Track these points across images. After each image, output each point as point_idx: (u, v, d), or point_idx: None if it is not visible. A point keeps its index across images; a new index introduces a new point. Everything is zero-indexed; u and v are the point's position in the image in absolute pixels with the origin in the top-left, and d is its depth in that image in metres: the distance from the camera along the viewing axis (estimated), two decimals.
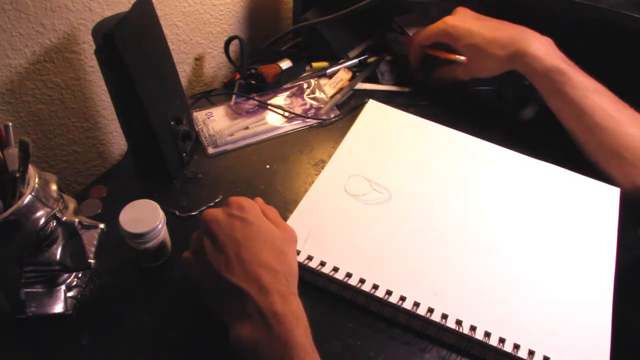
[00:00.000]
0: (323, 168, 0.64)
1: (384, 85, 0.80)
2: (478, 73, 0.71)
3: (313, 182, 0.62)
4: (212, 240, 0.45)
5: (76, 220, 0.45)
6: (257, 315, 0.41)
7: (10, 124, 0.43)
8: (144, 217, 0.49)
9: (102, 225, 0.48)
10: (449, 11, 0.92)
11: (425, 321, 0.48)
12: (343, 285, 0.51)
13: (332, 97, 0.77)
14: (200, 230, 0.47)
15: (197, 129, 0.70)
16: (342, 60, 0.84)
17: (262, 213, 0.48)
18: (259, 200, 0.51)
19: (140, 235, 0.49)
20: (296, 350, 0.39)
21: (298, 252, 0.51)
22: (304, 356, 0.39)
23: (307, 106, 0.75)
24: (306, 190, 0.60)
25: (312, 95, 0.77)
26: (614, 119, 0.61)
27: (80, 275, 0.51)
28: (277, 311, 0.41)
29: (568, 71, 0.62)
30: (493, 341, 0.46)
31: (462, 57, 0.69)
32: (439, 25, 0.71)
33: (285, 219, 0.56)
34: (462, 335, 0.47)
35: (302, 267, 0.51)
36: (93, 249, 0.48)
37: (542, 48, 0.64)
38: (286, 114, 0.73)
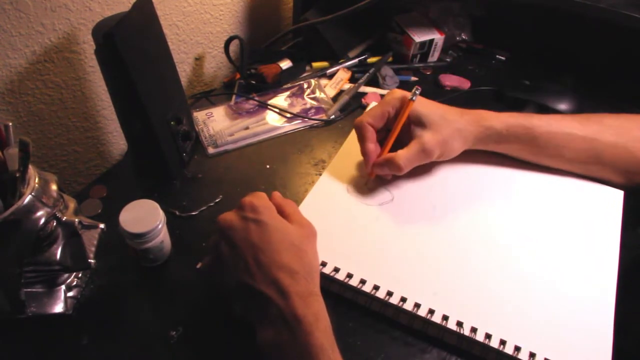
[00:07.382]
0: (323, 168, 0.64)
1: (385, 90, 0.80)
2: (447, 154, 0.59)
3: (313, 182, 0.62)
4: (229, 246, 0.45)
5: (76, 220, 0.45)
6: (278, 319, 0.41)
7: (10, 124, 0.43)
8: (144, 217, 0.49)
9: (102, 225, 0.48)
10: (449, 10, 0.92)
11: (426, 322, 0.48)
12: (344, 285, 0.50)
13: (335, 99, 0.77)
14: (217, 236, 0.47)
15: (197, 129, 0.70)
16: (342, 60, 0.84)
17: (277, 210, 0.48)
18: (277, 195, 0.51)
19: (140, 235, 0.49)
20: (315, 353, 0.39)
21: None
22: (323, 358, 0.40)
23: (308, 106, 0.75)
24: (306, 191, 0.60)
25: (312, 95, 0.77)
26: (587, 138, 0.59)
27: (80, 275, 0.51)
28: (297, 314, 0.41)
29: (527, 120, 0.60)
30: (494, 343, 0.46)
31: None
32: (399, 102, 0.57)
33: None
34: (463, 336, 0.47)
35: None
36: (93, 249, 0.48)
37: (493, 113, 0.60)
38: (287, 114, 0.73)
